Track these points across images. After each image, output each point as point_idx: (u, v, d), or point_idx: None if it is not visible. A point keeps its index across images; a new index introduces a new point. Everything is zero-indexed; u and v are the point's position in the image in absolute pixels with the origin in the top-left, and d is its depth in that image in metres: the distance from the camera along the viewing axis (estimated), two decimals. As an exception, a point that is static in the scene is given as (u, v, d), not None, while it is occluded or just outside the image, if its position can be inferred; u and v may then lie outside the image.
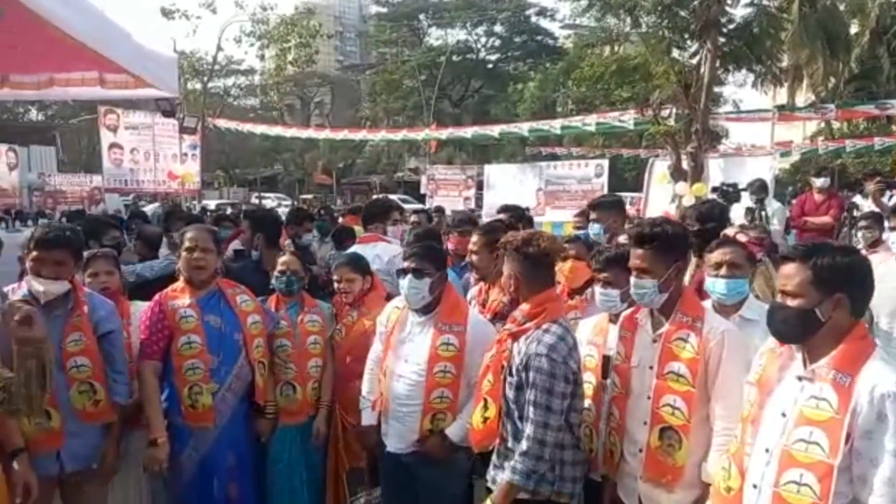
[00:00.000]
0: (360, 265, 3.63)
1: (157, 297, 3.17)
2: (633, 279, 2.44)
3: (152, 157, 17.43)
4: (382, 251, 4.50)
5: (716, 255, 2.80)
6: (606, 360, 2.75)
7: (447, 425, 2.89)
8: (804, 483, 1.78)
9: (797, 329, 1.87)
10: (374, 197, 10.69)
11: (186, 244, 3.15)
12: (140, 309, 3.31)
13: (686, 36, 13.21)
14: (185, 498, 3.10)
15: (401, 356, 2.99)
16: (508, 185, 21.69)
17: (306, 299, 3.56)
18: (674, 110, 13.61)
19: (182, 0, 28.79)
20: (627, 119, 15.22)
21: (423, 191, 24.81)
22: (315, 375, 3.44)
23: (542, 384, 2.41)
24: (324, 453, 3.50)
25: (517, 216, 5.05)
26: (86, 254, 3.42)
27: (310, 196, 34.16)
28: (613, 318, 2.81)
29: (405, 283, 2.92)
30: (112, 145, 17.03)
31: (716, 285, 2.76)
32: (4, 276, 3.35)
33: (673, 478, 2.33)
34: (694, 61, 13.48)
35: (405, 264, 2.97)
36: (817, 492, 1.76)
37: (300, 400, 3.38)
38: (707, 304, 2.74)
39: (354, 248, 4.52)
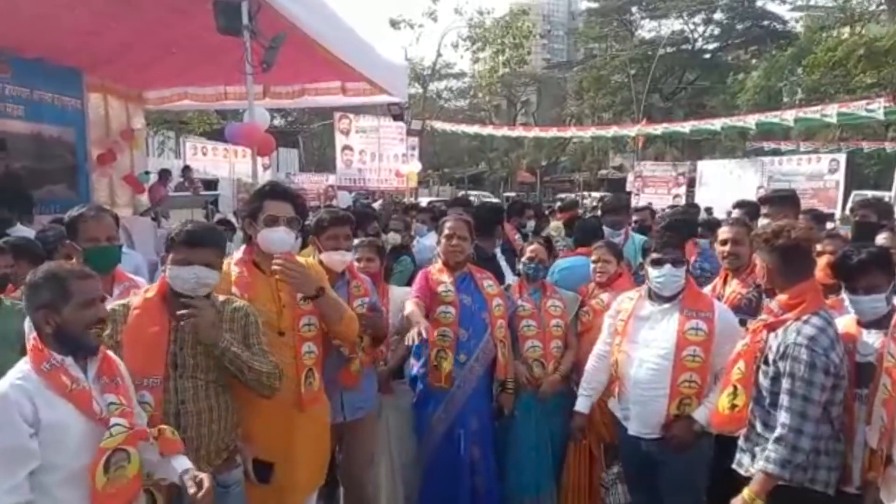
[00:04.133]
0: (615, 249, 3.82)
1: (424, 270, 3.67)
2: None
3: (377, 158, 19.07)
4: None
5: None
6: (862, 368, 2.60)
7: (692, 411, 2.93)
8: None
9: None
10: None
11: (446, 232, 3.56)
12: (397, 293, 3.82)
13: (954, 11, 11.46)
14: (437, 454, 3.51)
15: (641, 342, 3.07)
16: (724, 181, 20.38)
17: (547, 286, 3.80)
18: (935, 97, 11.88)
19: (407, 10, 30.83)
20: (876, 108, 13.48)
21: (628, 188, 24.12)
22: (556, 355, 3.67)
23: (801, 374, 2.40)
24: (568, 425, 3.67)
25: (755, 213, 4.85)
26: (355, 241, 3.98)
27: (513, 194, 34.84)
28: (863, 323, 2.65)
29: (664, 271, 3.00)
30: (344, 147, 18.89)
31: None
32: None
33: (951, 488, 2.17)
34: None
35: (657, 255, 3.04)
36: None
37: (547, 375, 3.63)
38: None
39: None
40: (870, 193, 19.09)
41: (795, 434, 2.40)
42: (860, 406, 2.60)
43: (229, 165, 17.16)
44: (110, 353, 2.13)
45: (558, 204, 11.60)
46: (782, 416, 2.44)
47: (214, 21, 5.22)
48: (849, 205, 17.75)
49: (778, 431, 2.44)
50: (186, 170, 13.14)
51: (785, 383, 2.45)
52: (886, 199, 14.08)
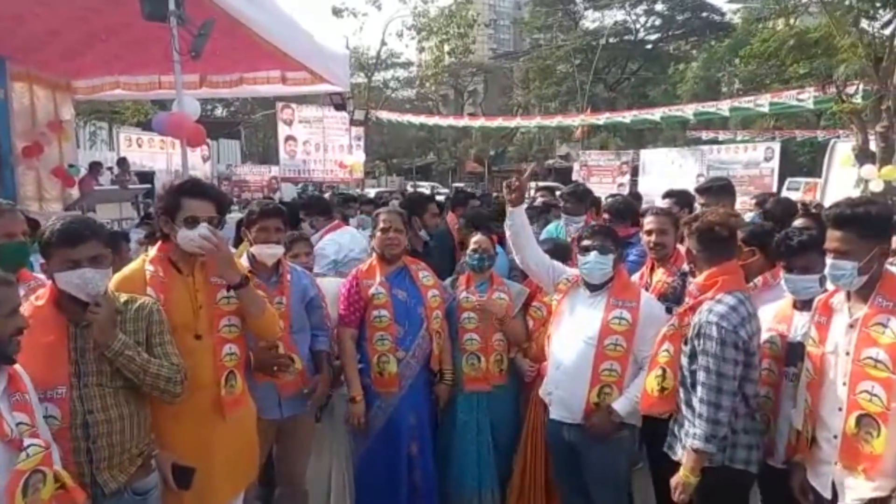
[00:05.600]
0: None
1: (354, 273, 3.56)
2: (829, 261, 2.33)
3: (322, 149, 18.83)
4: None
5: None
6: (792, 347, 2.69)
7: (613, 400, 2.99)
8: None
9: None
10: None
11: (381, 225, 3.48)
12: (327, 284, 3.70)
13: (878, 4, 12.00)
14: (373, 451, 3.45)
15: (569, 328, 3.11)
16: (666, 170, 20.85)
17: (494, 277, 3.74)
18: (861, 87, 12.41)
19: (350, -1, 30.38)
20: (806, 98, 13.98)
21: (574, 177, 24.45)
22: (498, 347, 3.61)
23: (713, 351, 2.49)
24: (515, 421, 3.66)
25: (684, 201, 4.91)
26: (286, 236, 3.86)
27: (462, 184, 34.87)
28: (798, 305, 2.75)
29: (590, 258, 3.05)
30: (287, 138, 18.59)
31: None
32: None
33: (870, 466, 2.23)
34: (886, 32, 12.23)
35: (585, 243, 3.07)
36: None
37: (484, 369, 3.57)
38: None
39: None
40: (803, 180, 19.89)
41: (714, 408, 2.49)
42: (787, 383, 2.70)
43: (167, 157, 16.63)
44: (17, 366, 1.98)
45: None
46: (699, 392, 2.53)
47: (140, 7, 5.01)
48: (783, 191, 18.44)
49: (697, 408, 2.53)
50: (122, 162, 12.66)
51: (700, 360, 2.54)
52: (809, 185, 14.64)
